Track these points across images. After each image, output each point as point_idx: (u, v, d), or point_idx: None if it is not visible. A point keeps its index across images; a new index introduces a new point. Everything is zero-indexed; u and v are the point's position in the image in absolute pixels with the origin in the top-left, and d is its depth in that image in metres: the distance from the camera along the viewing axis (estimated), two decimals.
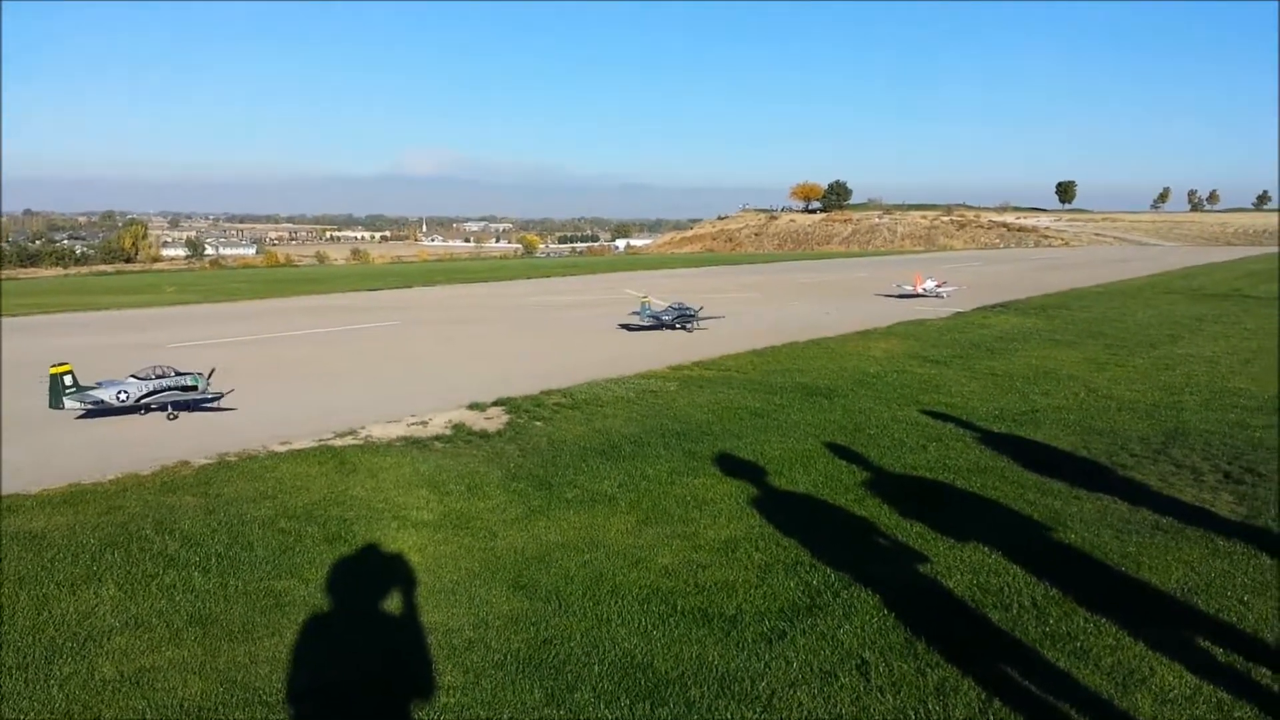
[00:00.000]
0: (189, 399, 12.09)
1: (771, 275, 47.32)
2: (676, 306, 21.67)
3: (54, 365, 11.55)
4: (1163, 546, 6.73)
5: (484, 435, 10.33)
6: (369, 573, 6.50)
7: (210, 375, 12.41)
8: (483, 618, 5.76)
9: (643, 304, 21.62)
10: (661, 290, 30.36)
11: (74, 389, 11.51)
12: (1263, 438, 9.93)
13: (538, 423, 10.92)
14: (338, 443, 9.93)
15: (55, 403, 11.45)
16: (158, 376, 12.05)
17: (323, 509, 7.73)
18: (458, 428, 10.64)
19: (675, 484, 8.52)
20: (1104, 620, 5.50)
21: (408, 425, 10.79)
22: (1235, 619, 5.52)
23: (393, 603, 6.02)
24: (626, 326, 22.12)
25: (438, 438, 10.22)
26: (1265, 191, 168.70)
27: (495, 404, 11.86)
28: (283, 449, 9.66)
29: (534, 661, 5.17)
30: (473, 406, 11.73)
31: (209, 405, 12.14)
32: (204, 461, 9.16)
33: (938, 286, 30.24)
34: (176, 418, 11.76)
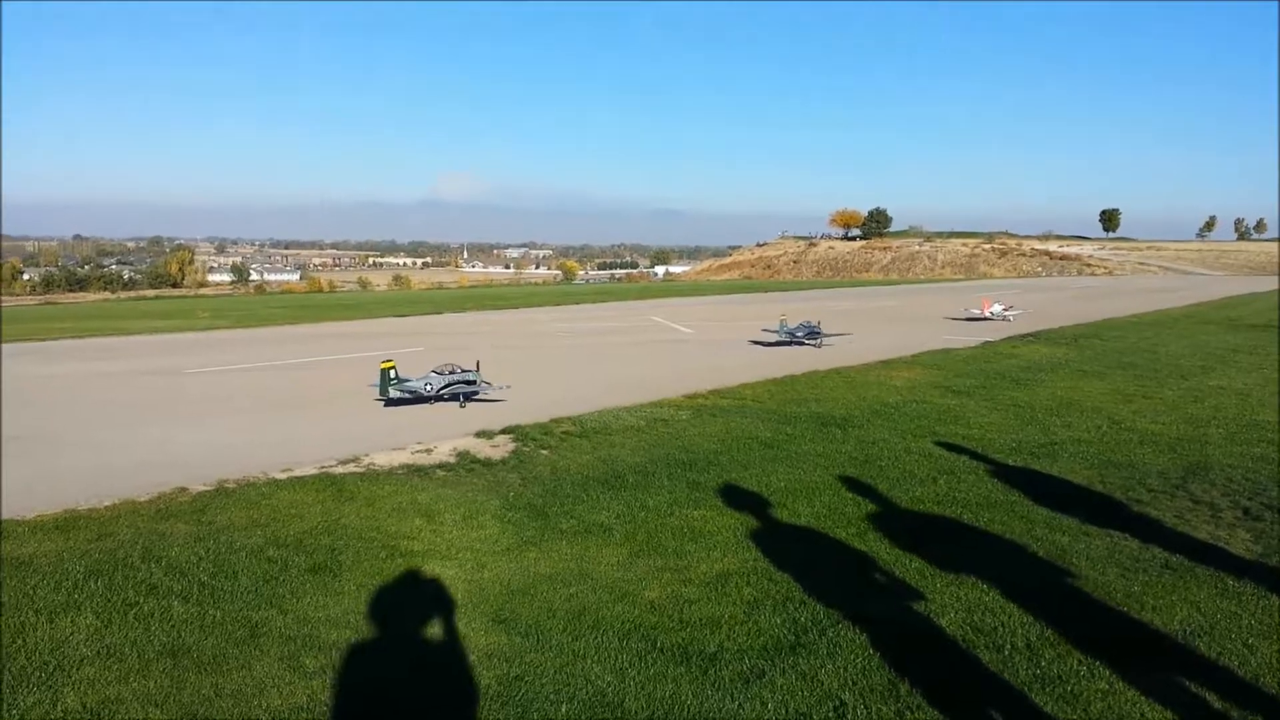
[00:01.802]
0: (471, 390, 14.54)
1: (811, 302, 47.04)
2: (805, 325, 23.64)
3: (383, 362, 14.44)
4: (1170, 586, 6.47)
5: (488, 463, 10.24)
6: (348, 605, 6.39)
7: (479, 368, 14.90)
8: (459, 651, 5.64)
9: (780, 322, 23.72)
10: (698, 317, 30.28)
11: (396, 381, 14.20)
12: None
13: (544, 451, 10.82)
14: (339, 470, 9.89)
15: (384, 391, 14.20)
16: (450, 372, 14.57)
17: (313, 538, 7.65)
18: (462, 455, 10.55)
19: (674, 515, 8.37)
20: (1099, 664, 5.27)
21: (412, 453, 10.72)
22: (1236, 663, 5.27)
23: (368, 636, 5.91)
24: (759, 342, 24.29)
25: (441, 465, 10.14)
26: None
27: (503, 431, 11.77)
28: (283, 476, 9.61)
29: (502, 698, 5.03)
30: (480, 434, 11.65)
31: (488, 397, 14.63)
32: (202, 488, 9.13)
33: (1005, 310, 31.71)
34: (465, 406, 14.23)
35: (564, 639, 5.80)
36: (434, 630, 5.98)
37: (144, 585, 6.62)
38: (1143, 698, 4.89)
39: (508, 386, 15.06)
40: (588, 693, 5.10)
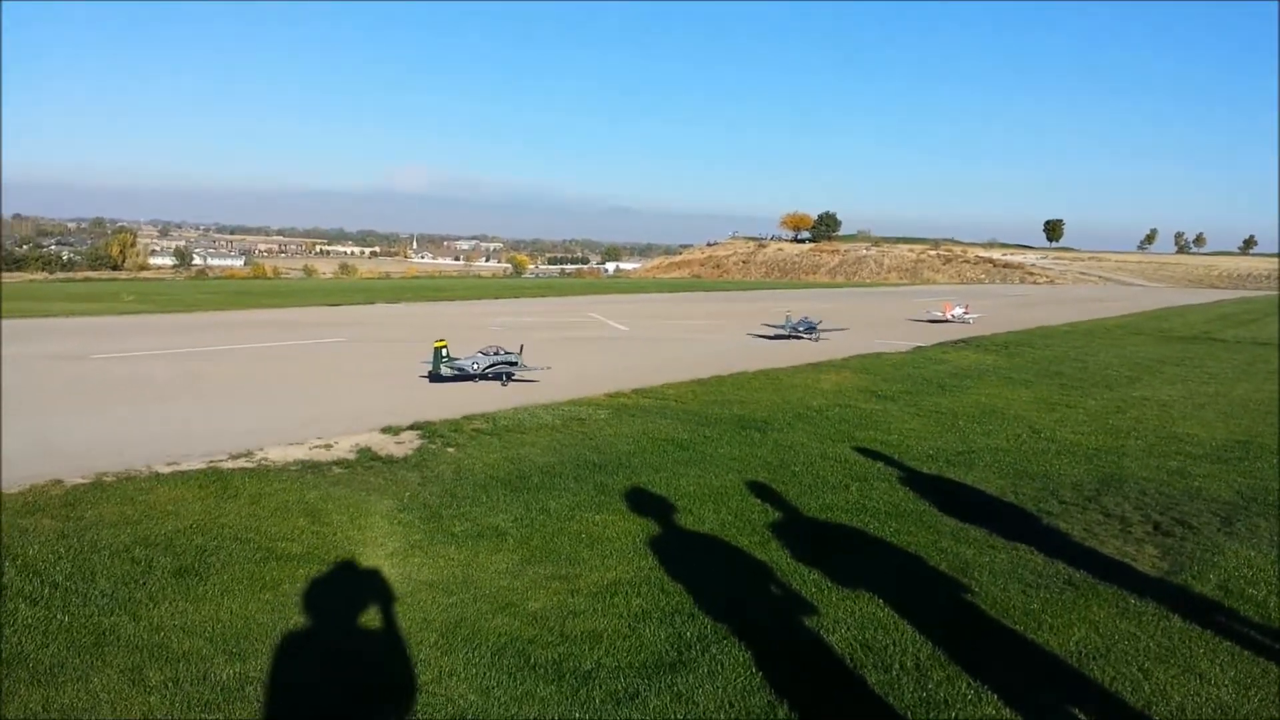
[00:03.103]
0: (512, 370, 15.60)
1: (756, 303, 46.91)
2: (805, 320, 25.92)
3: (436, 341, 15.59)
4: (1070, 604, 6.28)
5: (389, 461, 9.82)
6: (207, 611, 5.97)
7: (521, 351, 16.07)
8: (318, 666, 5.26)
9: (786, 317, 26.12)
10: (636, 315, 29.96)
11: (448, 359, 15.30)
12: (1201, 487, 9.51)
13: (450, 449, 10.43)
14: (229, 465, 9.41)
15: (436, 368, 15.32)
16: (495, 353, 15.79)
17: (185, 537, 7.20)
18: (363, 452, 10.12)
19: (574, 519, 8.04)
20: (986, 688, 5.03)
21: (310, 448, 10.27)
22: (1129, 689, 5.06)
23: (221, 648, 5.49)
24: (759, 335, 26.48)
25: (338, 462, 9.71)
26: (1252, 236, 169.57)
27: (410, 428, 11.35)
28: (168, 470, 9.13)
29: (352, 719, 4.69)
30: (386, 430, 11.22)
31: (527, 377, 15.79)
32: (79, 481, 8.62)
33: (965, 313, 33.74)
34: (507, 384, 15.32)
35: (434, 653, 5.45)
36: (295, 641, 5.59)
37: None
38: None
39: (547, 368, 16.19)
40: (447, 713, 4.77)
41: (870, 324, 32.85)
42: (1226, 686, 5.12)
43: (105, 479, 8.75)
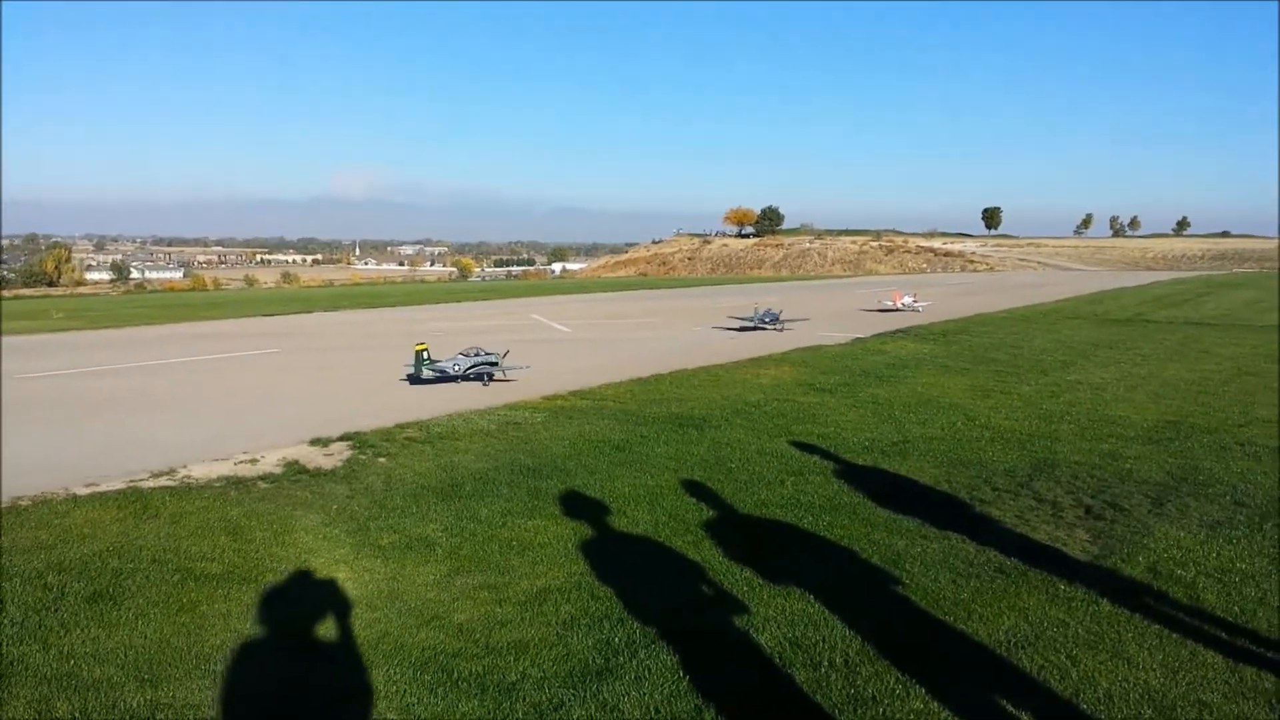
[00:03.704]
0: (493, 371, 16.13)
1: (704, 300, 46.94)
2: (770, 312, 27.43)
3: (417, 344, 16.13)
4: (1000, 592, 6.27)
5: (316, 474, 9.60)
6: (121, 637, 5.75)
7: (505, 355, 16.47)
8: (229, 692, 5.08)
9: (754, 309, 27.75)
10: (579, 315, 29.77)
11: (428, 361, 15.79)
12: (1132, 469, 9.60)
13: (381, 459, 10.22)
14: (149, 484, 9.13)
15: (417, 371, 15.78)
16: (475, 355, 16.19)
17: (100, 560, 6.96)
18: (290, 465, 9.88)
19: (506, 526, 7.90)
20: (915, 682, 4.99)
21: (235, 463, 10.00)
22: (1057, 677, 5.04)
23: (133, 674, 5.29)
24: (727, 328, 27.69)
25: (264, 477, 9.46)
26: (1185, 217, 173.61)
27: (341, 439, 11.12)
28: (86, 492, 8.83)
29: None
30: (314, 442, 10.97)
31: (505, 379, 16.26)
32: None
33: (914, 301, 35.07)
34: (488, 385, 15.77)
35: (353, 672, 5.29)
36: (212, 665, 5.39)
37: None
38: (955, 719, 4.63)
39: (527, 367, 16.74)
40: None
41: (829, 315, 33.43)
42: (1155, 671, 5.12)
43: (21, 503, 8.44)
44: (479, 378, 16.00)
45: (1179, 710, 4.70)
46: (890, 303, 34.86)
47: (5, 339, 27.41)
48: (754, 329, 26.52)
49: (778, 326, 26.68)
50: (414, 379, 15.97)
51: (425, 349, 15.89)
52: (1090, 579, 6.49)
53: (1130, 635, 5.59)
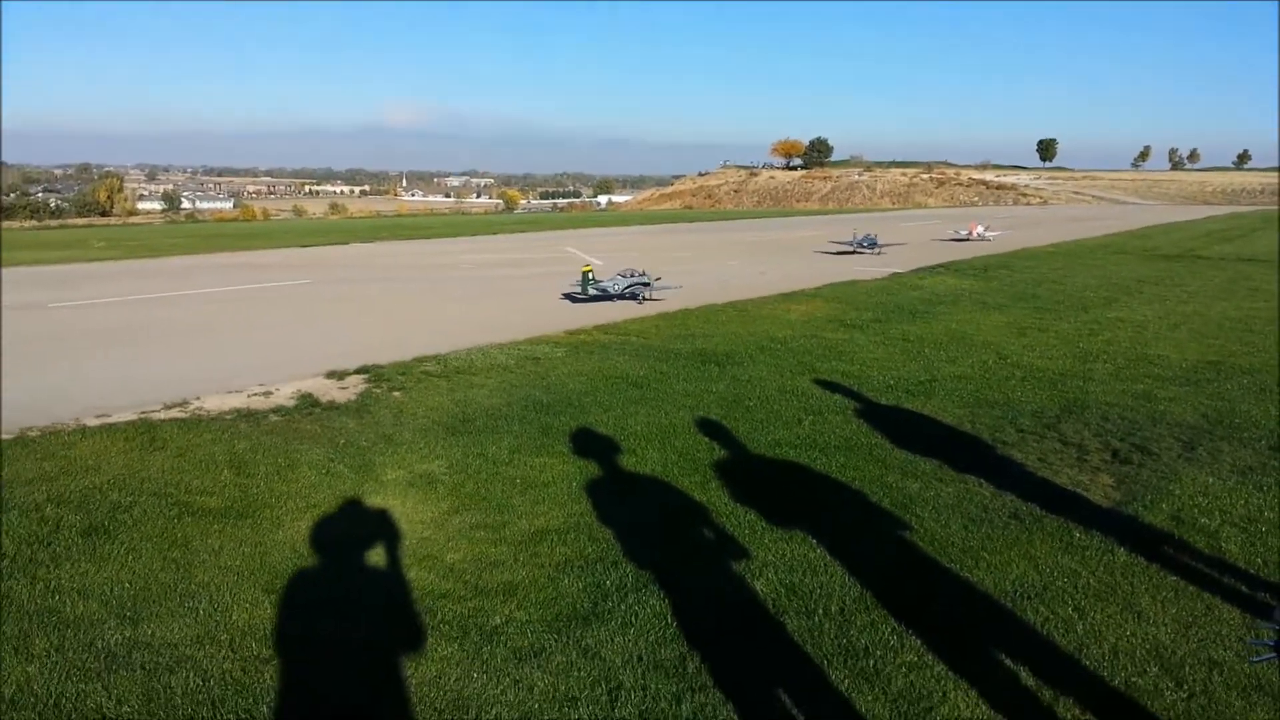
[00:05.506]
0: (646, 290, 17.65)
1: (740, 234, 46.32)
2: (868, 236, 29.31)
3: (584, 266, 18.41)
4: (1012, 539, 6.03)
5: (329, 407, 9.50)
6: (109, 572, 5.69)
7: (658, 279, 17.95)
8: (209, 631, 4.98)
9: (854, 233, 30.28)
10: (614, 248, 29.41)
11: (593, 281, 17.54)
12: (1166, 410, 9.24)
13: (396, 393, 10.11)
14: (161, 415, 9.10)
15: (584, 289, 17.55)
16: (630, 275, 17.83)
17: (100, 494, 6.92)
18: (304, 398, 9.79)
19: (512, 464, 7.75)
20: (911, 633, 4.79)
21: (249, 396, 9.93)
22: (1061, 631, 4.82)
23: (115, 611, 5.22)
24: (826, 252, 29.70)
25: (276, 410, 9.39)
26: (1246, 150, 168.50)
27: (357, 371, 11.02)
28: (96, 423, 8.82)
29: (238, 685, 4.44)
30: (330, 374, 10.88)
31: (657, 297, 17.65)
32: (4, 437, 8.32)
33: (986, 230, 36.13)
34: (643, 302, 17.26)
35: (334, 616, 5.19)
36: (195, 603, 5.32)
37: None
38: (949, 673, 4.43)
39: (679, 287, 18.12)
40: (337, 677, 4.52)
41: (915, 245, 33.92)
42: (1165, 626, 4.87)
43: (29, 434, 8.44)
44: (633, 296, 17.49)
45: (1187, 668, 4.46)
46: (965, 232, 35.68)
47: (43, 269, 27.71)
48: (852, 253, 28.32)
49: (876, 250, 28.24)
50: (574, 297, 17.81)
51: (590, 270, 17.87)
52: (1108, 526, 6.22)
53: (1144, 587, 5.33)
